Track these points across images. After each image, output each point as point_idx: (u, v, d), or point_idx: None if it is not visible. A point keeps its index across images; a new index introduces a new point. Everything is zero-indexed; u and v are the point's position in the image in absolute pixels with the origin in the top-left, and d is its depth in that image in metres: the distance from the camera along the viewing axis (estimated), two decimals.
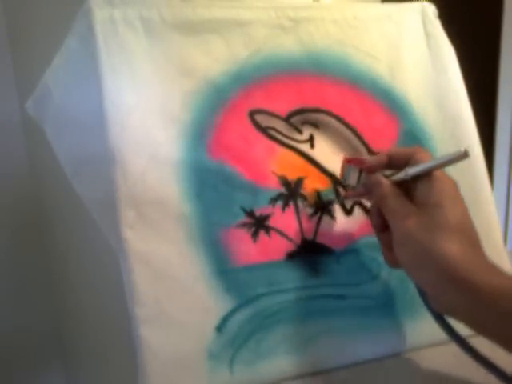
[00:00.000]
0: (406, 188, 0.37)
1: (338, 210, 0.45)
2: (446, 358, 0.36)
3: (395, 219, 0.36)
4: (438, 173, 0.36)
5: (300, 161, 0.45)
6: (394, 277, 0.45)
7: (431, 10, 0.54)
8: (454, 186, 0.36)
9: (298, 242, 0.43)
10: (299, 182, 0.44)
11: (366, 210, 0.46)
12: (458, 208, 0.35)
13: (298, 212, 0.44)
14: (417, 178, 0.36)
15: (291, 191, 0.44)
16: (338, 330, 0.42)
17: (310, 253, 0.43)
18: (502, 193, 0.98)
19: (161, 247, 0.39)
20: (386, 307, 0.44)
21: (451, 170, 0.50)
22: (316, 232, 0.44)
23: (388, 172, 0.39)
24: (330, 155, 0.46)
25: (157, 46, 0.42)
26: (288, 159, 0.45)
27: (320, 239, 0.44)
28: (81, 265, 0.67)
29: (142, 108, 0.40)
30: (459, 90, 0.53)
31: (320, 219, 0.44)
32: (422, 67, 0.52)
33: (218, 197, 0.41)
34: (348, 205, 0.46)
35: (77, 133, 0.44)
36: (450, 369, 0.39)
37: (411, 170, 0.36)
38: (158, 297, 0.38)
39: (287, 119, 0.45)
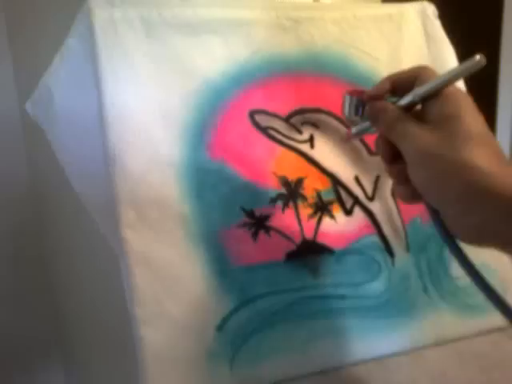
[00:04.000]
0: (416, 113, 0.33)
1: (338, 210, 0.45)
2: (446, 357, 0.36)
3: (409, 141, 0.32)
4: (449, 88, 0.32)
5: (300, 161, 0.45)
6: (394, 276, 0.45)
7: (431, 10, 0.54)
8: (470, 99, 0.32)
9: (298, 242, 0.43)
10: (299, 182, 0.44)
11: (366, 210, 0.46)
12: (478, 119, 0.31)
13: (297, 212, 0.44)
14: (427, 98, 0.32)
15: (291, 191, 0.44)
16: (337, 329, 0.42)
17: (310, 253, 0.43)
18: None
19: (161, 247, 0.39)
20: (386, 307, 0.44)
21: None
22: (316, 232, 0.44)
23: (393, 99, 0.35)
24: (330, 155, 0.46)
25: (157, 46, 0.42)
26: (288, 159, 0.45)
27: (320, 239, 0.44)
28: (81, 265, 0.67)
29: (142, 108, 0.40)
30: None
31: (320, 219, 0.44)
32: None
33: (218, 197, 0.41)
34: (348, 204, 0.46)
35: (77, 133, 0.44)
36: (450, 369, 0.39)
37: (420, 90, 0.32)
38: (158, 297, 0.38)
39: (287, 119, 0.45)
